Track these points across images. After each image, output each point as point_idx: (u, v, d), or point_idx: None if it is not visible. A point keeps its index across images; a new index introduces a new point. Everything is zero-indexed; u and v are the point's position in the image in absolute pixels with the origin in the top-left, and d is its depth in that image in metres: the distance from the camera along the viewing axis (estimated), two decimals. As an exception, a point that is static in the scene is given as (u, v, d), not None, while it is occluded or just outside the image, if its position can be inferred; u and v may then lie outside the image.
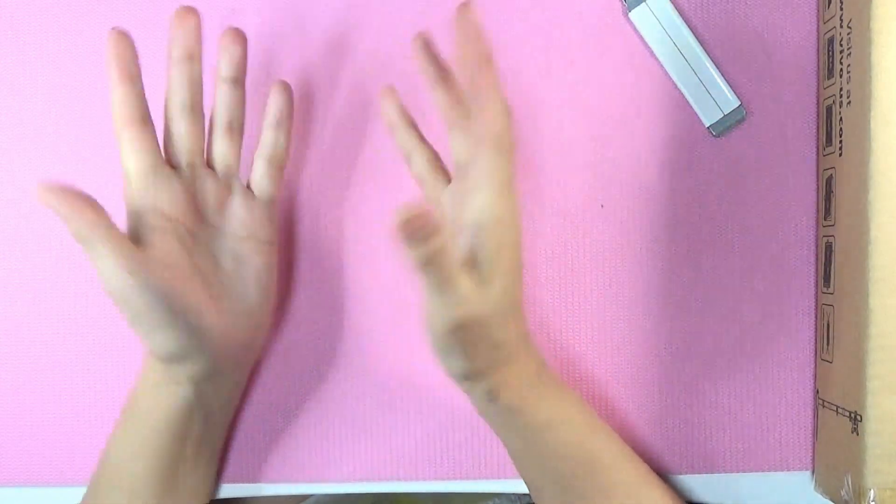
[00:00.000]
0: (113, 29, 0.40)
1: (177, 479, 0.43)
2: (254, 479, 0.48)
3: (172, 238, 0.40)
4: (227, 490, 0.48)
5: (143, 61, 0.48)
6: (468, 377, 0.40)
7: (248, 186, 0.44)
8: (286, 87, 0.44)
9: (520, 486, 0.48)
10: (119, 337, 0.48)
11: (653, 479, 0.44)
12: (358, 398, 0.48)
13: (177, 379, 0.41)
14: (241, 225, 0.43)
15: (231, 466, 0.48)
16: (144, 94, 0.40)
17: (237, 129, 0.43)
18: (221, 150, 0.43)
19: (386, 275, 0.48)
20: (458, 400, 0.48)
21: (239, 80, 0.42)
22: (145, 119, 0.40)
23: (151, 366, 0.42)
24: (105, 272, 0.37)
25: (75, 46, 0.48)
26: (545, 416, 0.42)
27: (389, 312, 0.48)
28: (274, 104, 0.44)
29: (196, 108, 0.42)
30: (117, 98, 0.40)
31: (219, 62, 0.42)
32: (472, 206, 0.38)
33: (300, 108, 0.48)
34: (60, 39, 0.48)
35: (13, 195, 0.49)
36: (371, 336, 0.48)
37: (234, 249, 0.43)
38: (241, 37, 0.42)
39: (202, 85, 0.42)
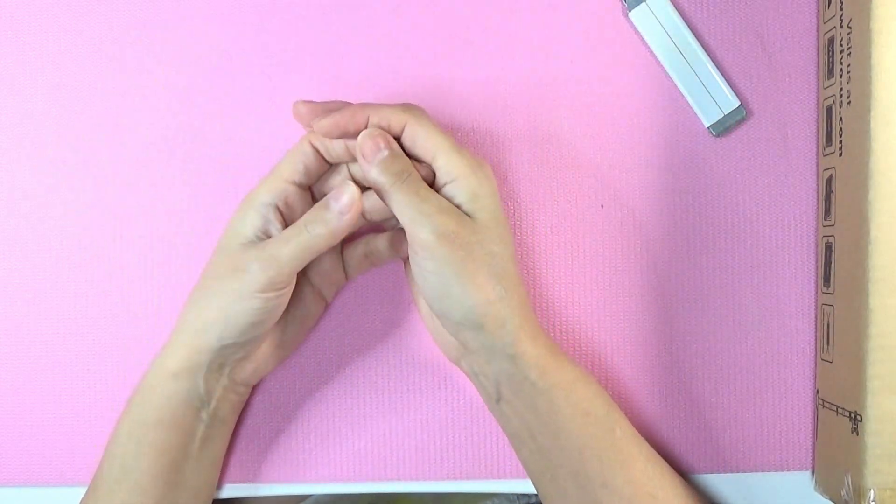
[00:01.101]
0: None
1: (182, 475, 0.43)
2: (254, 479, 0.48)
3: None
4: (227, 490, 0.48)
5: (142, 61, 0.48)
6: (483, 315, 0.39)
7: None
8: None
9: (519, 486, 0.48)
10: (119, 337, 0.48)
11: (659, 457, 0.44)
12: (358, 398, 0.48)
13: (192, 371, 0.41)
14: (318, 273, 0.45)
15: (231, 466, 0.48)
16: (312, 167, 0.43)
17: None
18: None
19: (386, 274, 0.48)
20: (458, 400, 0.48)
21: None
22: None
23: (172, 353, 0.42)
24: (276, 251, 0.40)
25: (75, 46, 0.48)
26: (571, 375, 0.42)
27: (389, 312, 0.48)
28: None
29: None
30: (301, 149, 0.42)
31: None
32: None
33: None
34: (60, 39, 0.48)
35: (13, 195, 0.49)
36: (370, 336, 0.48)
37: (303, 289, 0.45)
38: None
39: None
